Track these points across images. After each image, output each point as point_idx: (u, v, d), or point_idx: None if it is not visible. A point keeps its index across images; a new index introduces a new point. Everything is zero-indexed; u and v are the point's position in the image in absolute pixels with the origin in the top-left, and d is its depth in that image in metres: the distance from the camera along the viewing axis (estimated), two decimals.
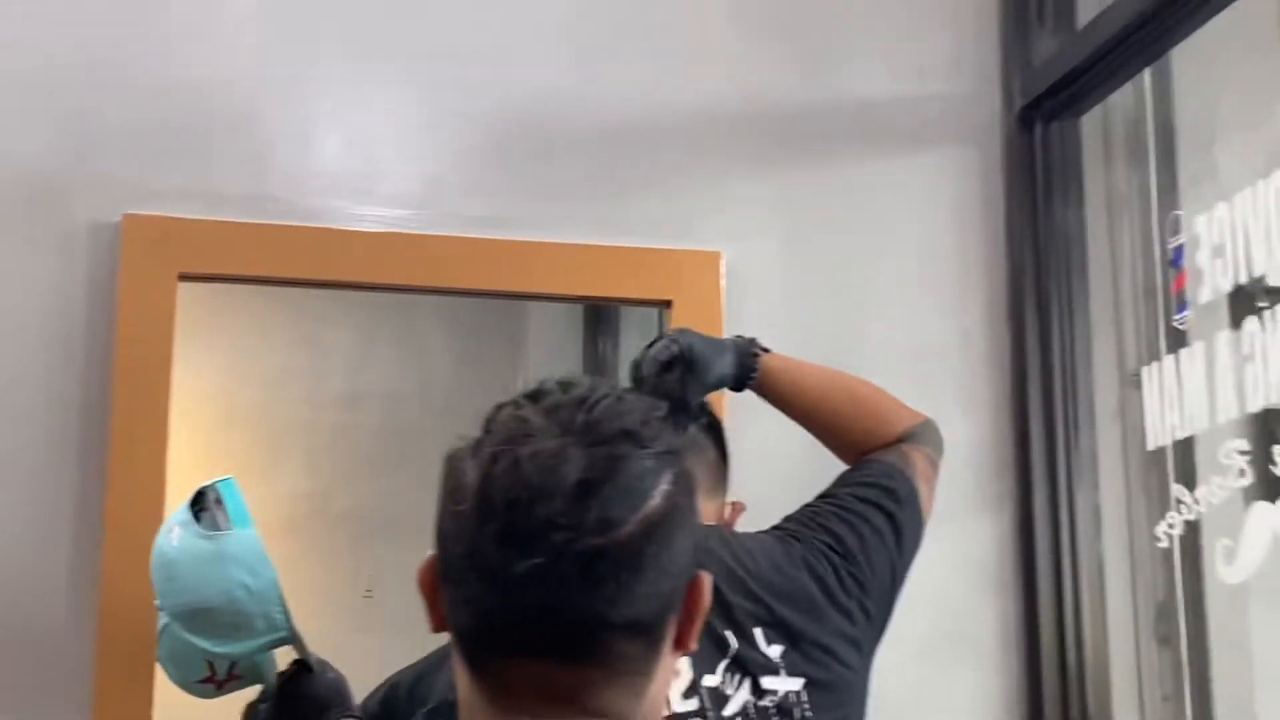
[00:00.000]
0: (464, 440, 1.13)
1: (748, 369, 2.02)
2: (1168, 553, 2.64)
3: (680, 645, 1.14)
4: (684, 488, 1.12)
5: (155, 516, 2.28)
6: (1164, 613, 2.67)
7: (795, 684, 1.75)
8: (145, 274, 2.38)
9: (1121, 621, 2.66)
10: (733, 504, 2.00)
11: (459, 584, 1.10)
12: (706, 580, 1.14)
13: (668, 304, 2.61)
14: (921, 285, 2.77)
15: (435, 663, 2.29)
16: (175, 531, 2.02)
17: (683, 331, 2.03)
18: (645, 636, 1.10)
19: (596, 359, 3.44)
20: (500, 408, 1.13)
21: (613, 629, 1.08)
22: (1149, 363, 2.56)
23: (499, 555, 1.06)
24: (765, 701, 1.74)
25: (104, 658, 2.30)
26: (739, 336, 2.08)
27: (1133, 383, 2.72)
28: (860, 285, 2.75)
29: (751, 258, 2.68)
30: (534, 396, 1.13)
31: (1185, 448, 2.49)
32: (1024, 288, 2.73)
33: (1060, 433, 2.67)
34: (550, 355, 3.54)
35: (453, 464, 1.13)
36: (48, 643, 2.35)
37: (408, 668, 2.40)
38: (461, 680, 1.14)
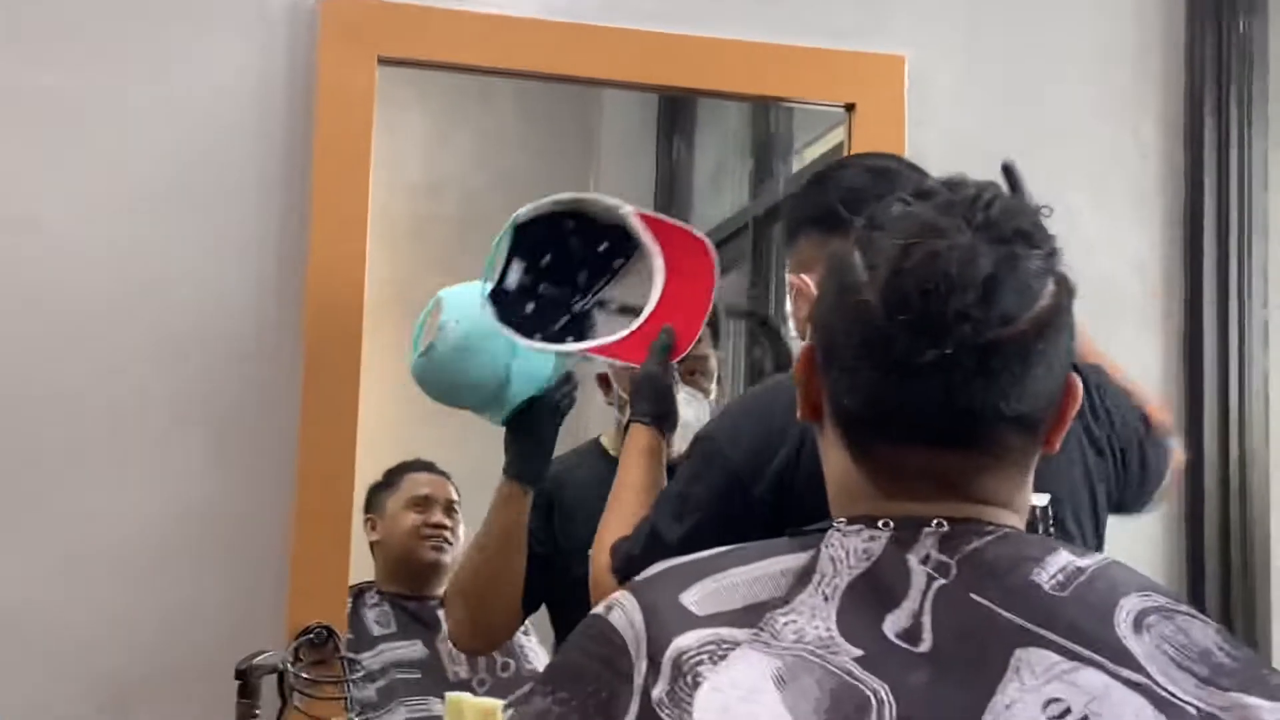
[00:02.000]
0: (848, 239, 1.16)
1: None
2: None
3: (1048, 445, 1.17)
4: (1066, 289, 1.15)
5: (355, 285, 2.37)
6: None
7: (1042, 499, 1.73)
8: (345, 57, 2.38)
9: None
10: None
11: (851, 371, 1.13)
12: (1078, 382, 1.17)
13: (851, 107, 2.59)
14: (1100, 93, 2.75)
15: (748, 412, 1.93)
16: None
17: None
18: (1029, 430, 1.14)
19: (670, 155, 3.44)
20: (887, 204, 1.16)
21: (1003, 421, 1.11)
22: None
23: (907, 344, 1.09)
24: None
25: (310, 373, 2.36)
26: None
27: None
28: (1039, 93, 2.73)
29: (933, 62, 2.66)
30: (923, 195, 1.15)
31: None
32: (1203, 98, 2.71)
33: (1233, 248, 2.67)
34: (623, 149, 3.52)
35: (841, 259, 1.16)
36: (257, 358, 2.40)
37: (713, 426, 1.98)
38: (837, 462, 1.17)
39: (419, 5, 2.44)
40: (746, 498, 1.71)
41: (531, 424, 2.28)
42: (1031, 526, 1.75)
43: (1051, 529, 1.77)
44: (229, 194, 2.40)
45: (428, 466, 2.99)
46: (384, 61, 2.41)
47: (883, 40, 2.64)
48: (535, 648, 2.75)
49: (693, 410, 2.16)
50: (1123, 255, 2.73)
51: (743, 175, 3.40)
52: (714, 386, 2.33)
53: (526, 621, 2.81)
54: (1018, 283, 1.10)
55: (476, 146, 3.50)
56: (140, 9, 2.41)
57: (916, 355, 1.09)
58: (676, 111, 3.36)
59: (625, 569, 1.71)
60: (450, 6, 2.47)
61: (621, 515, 1.87)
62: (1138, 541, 2.67)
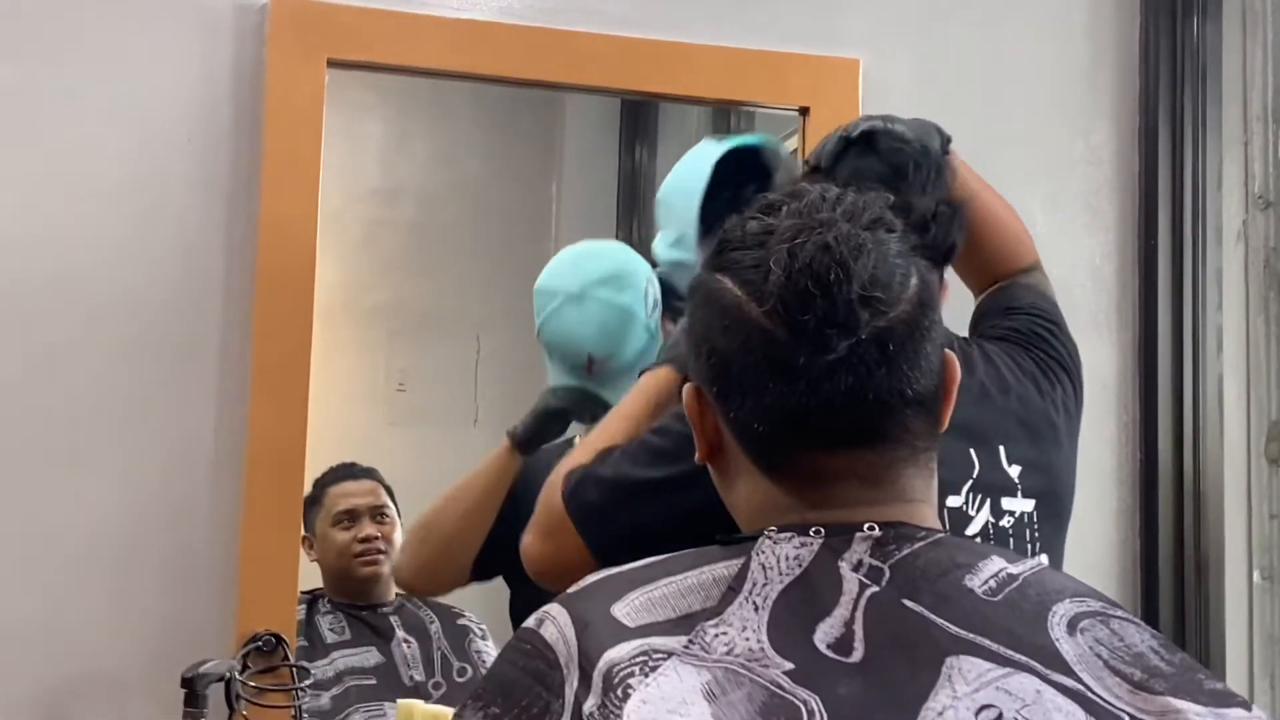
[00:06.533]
0: (704, 272, 1.18)
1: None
2: None
3: (939, 423, 1.18)
4: (926, 265, 1.17)
5: (304, 290, 2.35)
6: (1276, 433, 2.71)
7: (1028, 505, 1.72)
8: (294, 59, 2.35)
9: (1236, 442, 2.70)
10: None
11: (754, 393, 1.12)
12: (953, 357, 1.18)
13: (805, 111, 2.59)
14: (1053, 98, 2.75)
15: None
16: None
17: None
18: (929, 412, 1.15)
19: (632, 163, 3.43)
20: (739, 224, 1.16)
21: (908, 405, 1.12)
22: None
23: (812, 345, 1.08)
24: (1003, 522, 1.70)
25: (259, 376, 2.34)
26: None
27: (1259, 205, 2.73)
28: (992, 97, 2.72)
29: (888, 66, 2.66)
30: (768, 209, 1.15)
31: None
32: (1157, 102, 2.71)
33: (1187, 252, 2.68)
34: (584, 156, 3.52)
35: (708, 287, 1.15)
36: (204, 361, 2.37)
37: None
38: (752, 490, 1.16)
39: (371, 7, 2.42)
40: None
41: (572, 406, 2.27)
42: (1017, 529, 1.74)
43: (1038, 533, 1.75)
44: (175, 195, 2.37)
45: (349, 471, 2.95)
46: (334, 64, 2.38)
47: (837, 44, 2.64)
48: (492, 652, 2.74)
49: None
50: (1077, 260, 2.73)
51: None
52: None
53: (483, 626, 2.80)
54: (891, 266, 1.12)
55: (434, 151, 3.49)
56: (87, 7, 2.38)
57: (825, 353, 1.09)
58: (638, 116, 3.35)
59: (574, 491, 1.66)
60: (404, 9, 2.45)
61: (600, 438, 1.75)
62: (1092, 544, 2.67)
